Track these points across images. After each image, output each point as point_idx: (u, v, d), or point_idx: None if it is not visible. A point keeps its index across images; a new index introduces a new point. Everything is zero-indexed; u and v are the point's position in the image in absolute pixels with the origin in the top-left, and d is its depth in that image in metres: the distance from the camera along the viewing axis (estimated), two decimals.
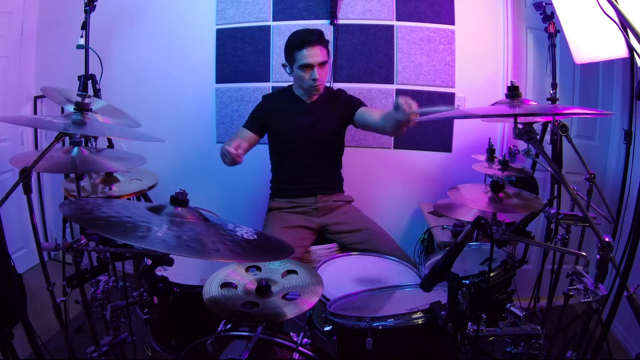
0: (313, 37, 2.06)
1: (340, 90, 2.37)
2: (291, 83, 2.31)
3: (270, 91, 2.85)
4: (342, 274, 1.76)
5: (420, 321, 1.29)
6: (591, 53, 1.96)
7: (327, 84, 2.43)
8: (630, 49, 1.54)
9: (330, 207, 2.26)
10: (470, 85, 2.76)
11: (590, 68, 2.62)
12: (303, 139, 2.24)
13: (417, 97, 2.77)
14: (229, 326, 1.39)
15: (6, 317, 1.27)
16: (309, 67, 2.09)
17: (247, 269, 1.49)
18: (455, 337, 1.20)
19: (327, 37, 2.16)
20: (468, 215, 2.02)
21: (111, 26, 2.92)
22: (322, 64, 2.09)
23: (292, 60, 2.11)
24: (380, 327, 1.29)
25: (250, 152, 2.20)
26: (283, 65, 2.21)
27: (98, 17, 2.54)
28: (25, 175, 1.33)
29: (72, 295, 1.71)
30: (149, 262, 1.28)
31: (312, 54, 2.06)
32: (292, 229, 2.16)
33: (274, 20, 2.81)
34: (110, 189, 1.88)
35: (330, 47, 2.35)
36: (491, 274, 1.33)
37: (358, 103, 2.28)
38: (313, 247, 2.18)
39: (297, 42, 2.08)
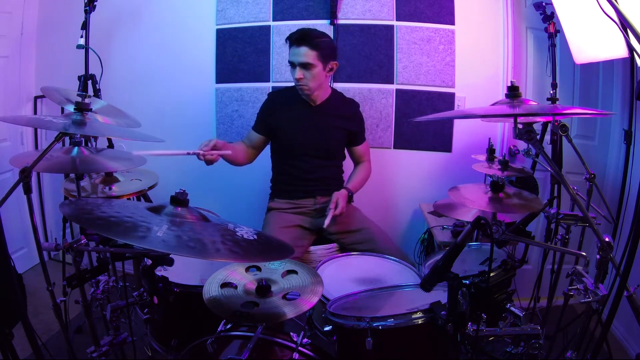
0: (294, 35, 2.08)
1: (357, 106, 2.36)
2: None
3: (270, 91, 2.85)
4: (342, 274, 1.76)
5: (420, 321, 1.29)
6: (591, 53, 1.96)
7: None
8: (630, 49, 1.55)
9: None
10: (470, 85, 2.76)
11: (590, 68, 2.62)
12: (306, 141, 2.22)
13: (417, 97, 2.79)
14: (229, 326, 1.40)
15: (6, 317, 1.27)
16: (292, 64, 2.10)
17: (247, 269, 1.49)
18: (455, 337, 1.20)
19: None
20: (468, 215, 2.02)
21: (111, 26, 2.92)
22: (304, 65, 2.07)
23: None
24: (380, 327, 1.29)
25: None
26: None
27: (98, 17, 2.54)
28: (25, 175, 1.33)
29: (72, 295, 1.71)
30: (149, 262, 1.27)
31: (293, 53, 2.08)
32: (291, 229, 2.16)
33: (274, 20, 2.81)
34: (110, 189, 1.87)
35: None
36: (491, 274, 1.33)
37: (361, 137, 2.39)
38: (313, 247, 2.18)
39: (287, 38, 2.11)
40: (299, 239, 2.14)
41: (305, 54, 2.05)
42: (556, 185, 2.37)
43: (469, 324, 1.23)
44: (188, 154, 1.82)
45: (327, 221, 2.03)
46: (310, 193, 2.25)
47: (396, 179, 2.91)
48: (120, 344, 1.58)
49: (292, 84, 2.31)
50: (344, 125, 2.28)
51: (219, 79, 2.92)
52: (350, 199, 2.21)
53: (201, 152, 1.86)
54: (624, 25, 1.07)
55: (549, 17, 2.28)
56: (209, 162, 1.91)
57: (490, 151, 2.16)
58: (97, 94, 2.54)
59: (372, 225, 2.23)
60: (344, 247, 2.17)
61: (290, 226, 2.18)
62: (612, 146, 2.66)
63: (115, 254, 1.33)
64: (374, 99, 2.81)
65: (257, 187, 2.75)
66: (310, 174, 2.24)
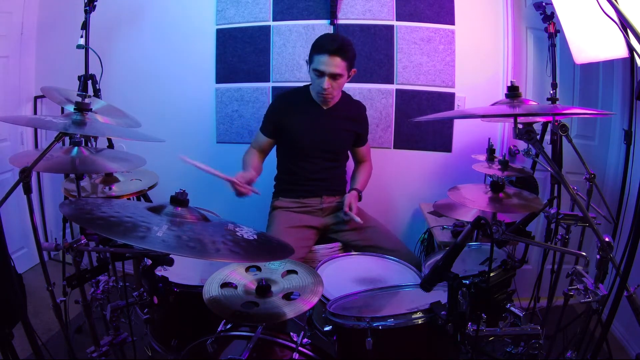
0: (332, 46, 2.00)
1: (363, 108, 2.39)
2: (298, 84, 2.32)
3: (270, 91, 2.85)
4: (342, 274, 1.76)
5: (420, 321, 1.29)
6: (591, 53, 1.96)
7: None
8: (630, 49, 1.54)
9: (335, 207, 2.27)
10: (470, 85, 2.76)
11: (590, 68, 2.62)
12: (316, 143, 2.22)
13: (417, 97, 2.79)
14: (229, 326, 1.40)
15: (6, 317, 1.27)
16: (320, 73, 2.05)
17: (247, 269, 1.49)
18: (455, 337, 1.20)
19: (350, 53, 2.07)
20: (468, 215, 2.02)
21: (111, 26, 2.92)
22: (334, 76, 2.04)
23: (311, 60, 2.08)
24: (380, 327, 1.29)
25: None
26: (306, 61, 2.16)
27: (98, 17, 2.54)
28: (25, 175, 1.33)
29: (72, 295, 1.71)
30: (149, 262, 1.27)
31: (325, 62, 2.01)
32: (297, 228, 2.17)
33: (274, 20, 2.81)
34: (110, 189, 1.87)
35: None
36: (491, 274, 1.33)
37: (364, 139, 2.41)
38: (316, 247, 2.19)
39: (319, 44, 2.04)
40: (304, 238, 2.15)
41: (338, 64, 2.02)
42: (556, 185, 2.37)
43: (469, 324, 1.23)
44: (226, 179, 1.90)
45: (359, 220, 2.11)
46: (316, 193, 2.26)
47: (396, 179, 2.91)
48: (120, 344, 1.58)
49: (293, 84, 2.32)
50: (352, 127, 2.31)
51: (219, 79, 2.92)
52: (359, 198, 2.26)
53: (237, 181, 1.92)
54: (624, 25, 1.07)
55: (549, 17, 2.28)
56: (240, 195, 1.95)
57: (490, 151, 2.16)
58: (97, 94, 2.54)
59: (376, 223, 2.25)
60: (349, 244, 2.18)
61: (297, 226, 2.18)
62: (612, 146, 2.66)
63: (115, 254, 1.33)
64: (374, 99, 2.81)
65: (258, 186, 2.74)
66: (316, 174, 2.25)
